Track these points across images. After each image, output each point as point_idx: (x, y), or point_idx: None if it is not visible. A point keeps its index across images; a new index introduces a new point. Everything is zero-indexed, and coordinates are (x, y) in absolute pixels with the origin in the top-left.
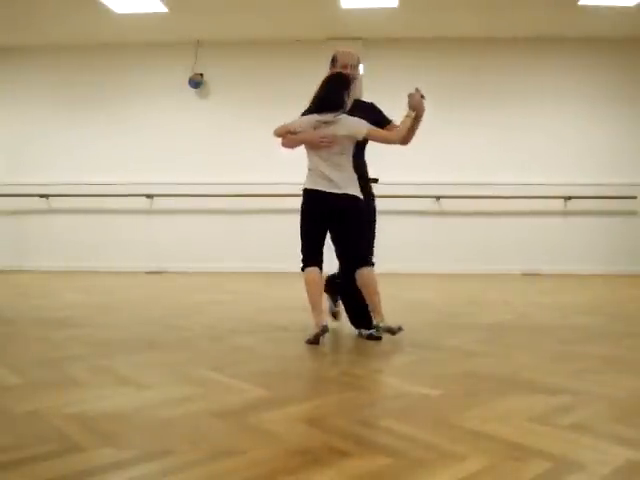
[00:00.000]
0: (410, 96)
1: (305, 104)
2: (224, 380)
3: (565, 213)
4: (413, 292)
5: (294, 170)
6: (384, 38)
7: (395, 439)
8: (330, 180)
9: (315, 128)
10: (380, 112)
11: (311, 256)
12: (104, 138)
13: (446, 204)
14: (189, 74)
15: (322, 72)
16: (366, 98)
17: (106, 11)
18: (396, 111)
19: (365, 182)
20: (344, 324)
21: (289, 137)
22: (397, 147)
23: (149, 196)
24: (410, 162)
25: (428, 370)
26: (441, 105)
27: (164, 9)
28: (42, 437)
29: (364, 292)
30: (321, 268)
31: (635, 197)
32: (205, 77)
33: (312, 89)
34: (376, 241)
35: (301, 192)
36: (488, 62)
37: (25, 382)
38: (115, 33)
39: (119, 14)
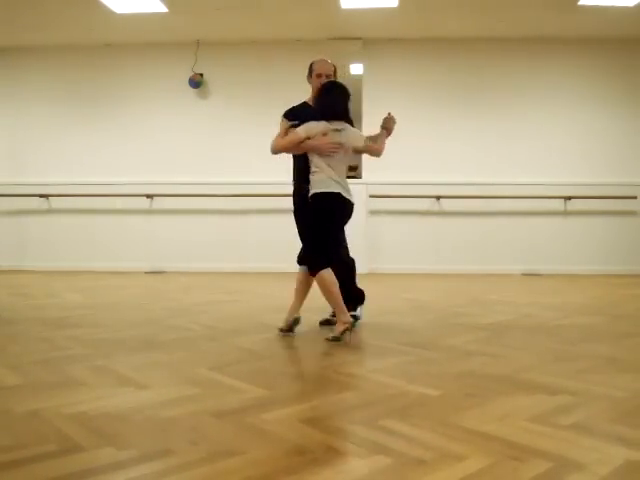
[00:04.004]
0: (387, 120)
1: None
2: (224, 380)
3: (565, 213)
4: (413, 292)
5: None
6: (384, 38)
7: (395, 439)
8: (339, 184)
9: (324, 135)
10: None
11: (330, 255)
12: (104, 138)
13: (446, 204)
14: (189, 74)
15: None
16: (366, 98)
17: (106, 11)
18: (395, 111)
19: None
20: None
21: (296, 143)
22: (395, 148)
23: (149, 196)
24: (410, 162)
25: (428, 370)
26: (441, 105)
27: (164, 9)
28: (42, 437)
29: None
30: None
31: (635, 197)
32: (205, 77)
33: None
34: (375, 241)
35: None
36: (488, 62)
37: (25, 382)
38: (115, 33)
39: (119, 14)
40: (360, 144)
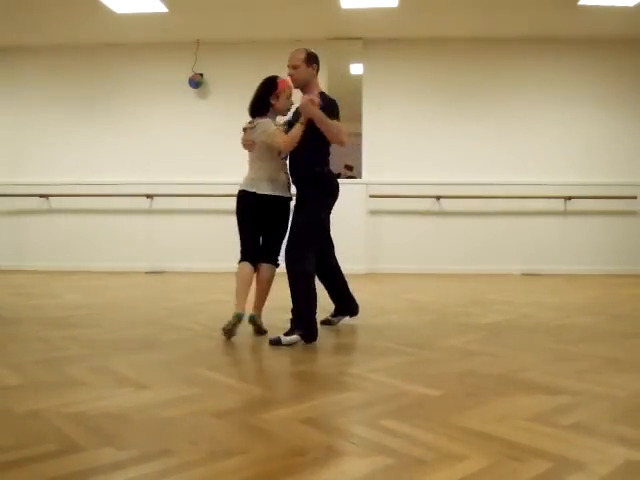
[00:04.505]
0: (301, 100)
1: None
2: (224, 380)
3: (565, 213)
4: (413, 292)
5: None
6: (384, 38)
7: (395, 439)
8: (254, 180)
9: (244, 131)
10: (331, 111)
11: (246, 252)
12: (104, 138)
13: (446, 204)
14: (189, 74)
15: (321, 72)
16: (367, 98)
17: (106, 11)
18: (395, 111)
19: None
20: (344, 325)
21: None
22: (395, 148)
23: (149, 196)
24: (410, 162)
25: (428, 370)
26: (441, 105)
27: (164, 9)
28: (42, 437)
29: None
30: (253, 263)
31: (635, 197)
32: (205, 77)
33: None
34: (375, 241)
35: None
36: (488, 62)
37: (25, 382)
38: (115, 33)
39: (119, 14)
40: (266, 140)
